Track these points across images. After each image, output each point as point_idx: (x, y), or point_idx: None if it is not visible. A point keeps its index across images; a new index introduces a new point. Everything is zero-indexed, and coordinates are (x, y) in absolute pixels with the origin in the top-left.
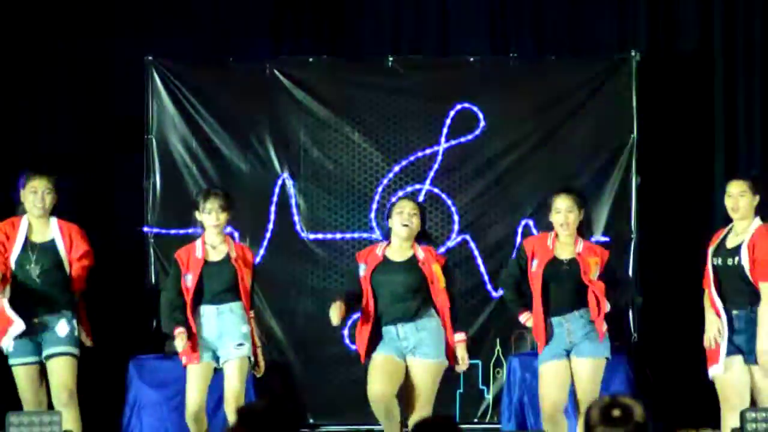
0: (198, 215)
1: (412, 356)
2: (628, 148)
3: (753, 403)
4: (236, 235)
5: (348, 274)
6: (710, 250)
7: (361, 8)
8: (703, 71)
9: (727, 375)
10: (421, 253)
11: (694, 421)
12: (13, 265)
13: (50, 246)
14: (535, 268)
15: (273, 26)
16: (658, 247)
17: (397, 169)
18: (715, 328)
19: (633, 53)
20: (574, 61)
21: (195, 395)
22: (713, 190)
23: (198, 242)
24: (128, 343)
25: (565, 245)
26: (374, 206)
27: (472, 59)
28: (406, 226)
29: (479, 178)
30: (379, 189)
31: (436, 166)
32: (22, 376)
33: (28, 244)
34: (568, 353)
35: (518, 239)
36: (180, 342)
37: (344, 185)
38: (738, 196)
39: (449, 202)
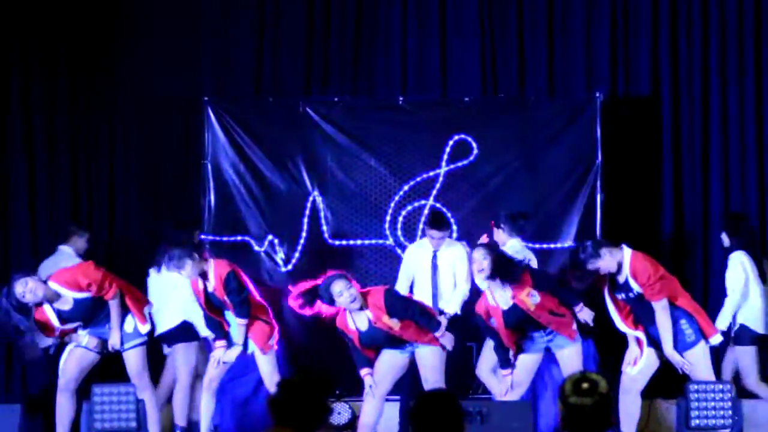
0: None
1: (418, 347)
2: (594, 171)
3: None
4: (276, 242)
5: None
6: (606, 289)
7: (376, 57)
8: (653, 109)
9: (644, 369)
10: (370, 314)
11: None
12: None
13: (75, 308)
14: (496, 324)
15: (305, 71)
16: None
17: (406, 188)
18: (635, 354)
19: (597, 94)
20: (550, 101)
21: (211, 371)
22: (662, 205)
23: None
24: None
25: (498, 293)
26: (387, 218)
27: (466, 99)
28: (352, 302)
29: (473, 195)
30: (392, 204)
31: (438, 185)
32: (74, 354)
33: (60, 317)
34: (546, 350)
35: None
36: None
37: (363, 201)
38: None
39: (449, 214)
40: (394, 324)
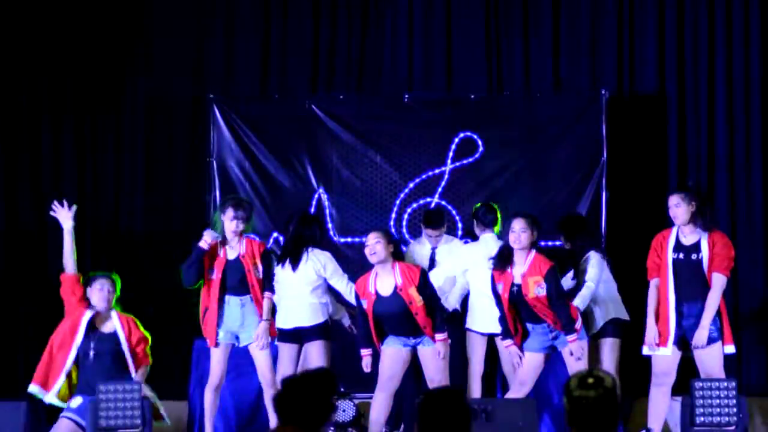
0: (221, 217)
1: (421, 346)
2: (599, 169)
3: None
4: (281, 239)
5: (358, 311)
6: (669, 246)
7: (381, 54)
8: (659, 107)
9: (670, 358)
10: (399, 278)
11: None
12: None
13: (107, 342)
14: (501, 291)
15: (311, 69)
16: (623, 249)
17: (411, 185)
18: (652, 334)
19: (603, 92)
20: (555, 98)
21: (216, 370)
22: (667, 203)
23: (222, 248)
24: (196, 326)
25: (518, 266)
26: (393, 215)
27: (472, 96)
28: (373, 254)
29: (478, 193)
30: (397, 202)
31: (443, 183)
32: (62, 426)
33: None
34: (552, 347)
35: None
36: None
37: (369, 199)
38: (674, 207)
39: (454, 212)
40: (417, 299)
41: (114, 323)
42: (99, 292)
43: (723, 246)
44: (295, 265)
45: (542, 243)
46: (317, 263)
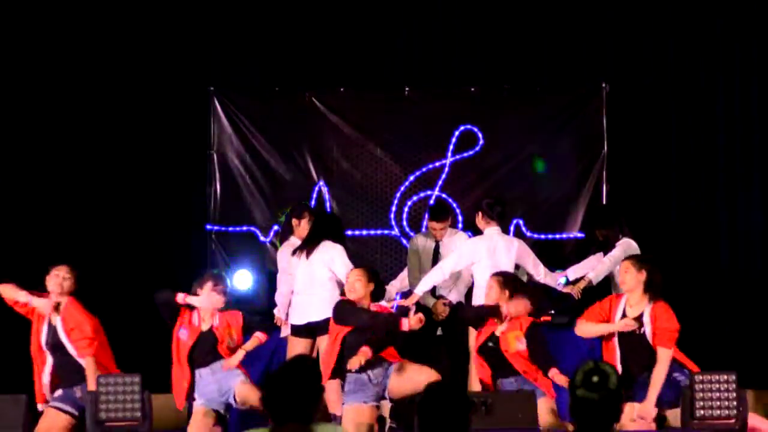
0: (199, 290)
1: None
2: (600, 161)
3: None
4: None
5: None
6: (616, 316)
7: (381, 47)
8: (659, 99)
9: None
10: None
11: None
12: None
13: (53, 333)
14: (480, 337)
15: (311, 61)
16: None
17: (412, 178)
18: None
19: (604, 85)
20: (556, 91)
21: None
22: (669, 195)
23: (195, 314)
24: None
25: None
26: (393, 208)
27: (473, 89)
28: (351, 291)
29: (479, 185)
30: (397, 194)
31: (444, 175)
32: (48, 416)
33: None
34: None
35: (511, 234)
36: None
37: (369, 191)
38: (623, 273)
39: (455, 204)
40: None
41: (59, 312)
42: (54, 278)
43: (666, 320)
44: (308, 256)
45: (542, 236)
46: (326, 256)
